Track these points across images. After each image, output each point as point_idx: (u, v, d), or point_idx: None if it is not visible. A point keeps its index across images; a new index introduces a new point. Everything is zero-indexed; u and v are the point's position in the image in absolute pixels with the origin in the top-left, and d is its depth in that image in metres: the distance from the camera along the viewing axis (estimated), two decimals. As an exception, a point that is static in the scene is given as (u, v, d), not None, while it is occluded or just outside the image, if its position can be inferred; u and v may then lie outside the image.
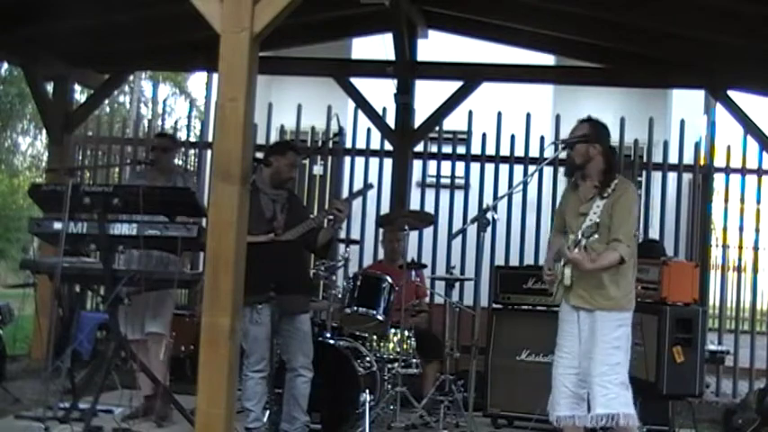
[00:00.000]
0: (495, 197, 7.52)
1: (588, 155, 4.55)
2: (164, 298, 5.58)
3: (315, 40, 8.35)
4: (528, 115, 8.22)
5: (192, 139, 9.74)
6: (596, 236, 4.34)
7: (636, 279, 5.76)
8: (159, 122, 10.99)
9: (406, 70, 7.80)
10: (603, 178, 4.53)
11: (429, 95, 8.00)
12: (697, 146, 8.47)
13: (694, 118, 10.23)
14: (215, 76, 6.69)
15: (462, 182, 8.49)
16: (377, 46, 7.94)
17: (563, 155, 7.88)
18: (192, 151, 9.52)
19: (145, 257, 5.38)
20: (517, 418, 6.01)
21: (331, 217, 5.26)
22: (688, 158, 8.27)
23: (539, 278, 6.18)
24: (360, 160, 8.58)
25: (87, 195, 4.74)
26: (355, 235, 8.17)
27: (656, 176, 8.48)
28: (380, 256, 7.34)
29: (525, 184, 6.93)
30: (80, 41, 7.64)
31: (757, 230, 8.32)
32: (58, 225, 4.74)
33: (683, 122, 8.26)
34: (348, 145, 8.74)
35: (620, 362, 4.41)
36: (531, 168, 7.65)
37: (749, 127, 7.55)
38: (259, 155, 5.36)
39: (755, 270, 8.32)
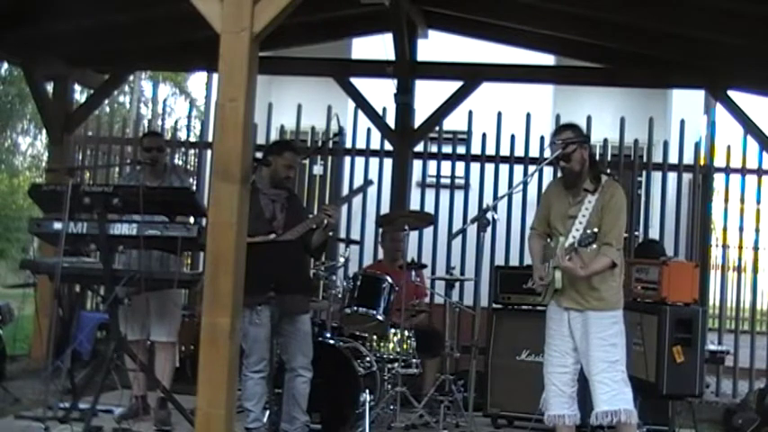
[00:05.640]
0: (495, 197, 7.53)
1: (583, 158, 4.57)
2: (168, 305, 5.58)
3: (315, 40, 8.34)
4: (528, 115, 8.22)
5: (192, 139, 9.73)
6: (593, 246, 4.36)
7: (636, 279, 5.82)
8: (159, 122, 10.96)
9: (406, 70, 7.79)
10: (592, 176, 4.56)
11: (429, 95, 8.00)
12: (697, 146, 8.46)
13: (694, 118, 10.24)
14: (215, 76, 6.69)
15: (462, 182, 8.48)
16: (377, 46, 7.93)
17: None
18: (191, 151, 9.53)
19: (145, 257, 5.38)
20: (517, 418, 6.00)
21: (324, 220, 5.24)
22: (688, 158, 8.26)
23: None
24: (360, 160, 8.57)
25: (87, 195, 4.74)
26: (355, 235, 8.17)
27: (656, 176, 8.48)
28: (380, 255, 7.34)
29: (525, 184, 6.94)
30: (80, 41, 7.64)
31: (757, 230, 8.31)
32: (57, 225, 4.74)
33: (683, 122, 8.25)
34: (348, 145, 8.73)
35: (618, 359, 4.44)
36: (531, 168, 7.65)
37: (749, 127, 7.55)
38: (259, 155, 5.35)
39: (755, 270, 8.31)
